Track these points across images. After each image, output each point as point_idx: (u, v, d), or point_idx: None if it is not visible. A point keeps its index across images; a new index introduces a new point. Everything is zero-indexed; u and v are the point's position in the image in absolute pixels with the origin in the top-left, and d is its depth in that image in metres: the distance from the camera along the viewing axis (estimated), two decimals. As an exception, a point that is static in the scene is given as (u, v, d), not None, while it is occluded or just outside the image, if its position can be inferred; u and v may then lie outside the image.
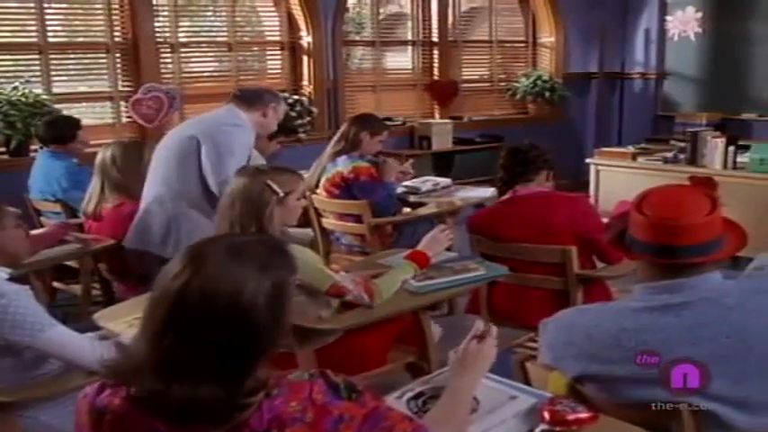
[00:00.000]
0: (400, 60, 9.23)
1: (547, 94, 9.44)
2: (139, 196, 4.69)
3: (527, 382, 2.47)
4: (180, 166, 4.52)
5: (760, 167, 6.26)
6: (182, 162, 4.52)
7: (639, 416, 2.13)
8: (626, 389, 2.14)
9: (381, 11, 9.15)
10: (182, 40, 7.56)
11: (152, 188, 4.58)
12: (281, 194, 3.39)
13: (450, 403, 2.13)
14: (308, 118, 7.71)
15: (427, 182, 6.26)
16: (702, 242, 2.10)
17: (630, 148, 7.42)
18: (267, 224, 3.37)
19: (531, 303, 4.17)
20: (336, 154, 5.57)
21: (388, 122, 8.39)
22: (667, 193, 2.25)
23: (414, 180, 6.15)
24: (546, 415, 2.09)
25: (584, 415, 2.09)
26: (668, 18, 9.51)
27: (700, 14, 9.22)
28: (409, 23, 9.09)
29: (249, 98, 4.68)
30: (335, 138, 5.68)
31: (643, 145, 7.78)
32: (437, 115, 9.07)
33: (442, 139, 8.52)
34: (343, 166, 5.51)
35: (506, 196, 4.36)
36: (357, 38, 9.17)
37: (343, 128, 5.71)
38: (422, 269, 3.65)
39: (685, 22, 9.35)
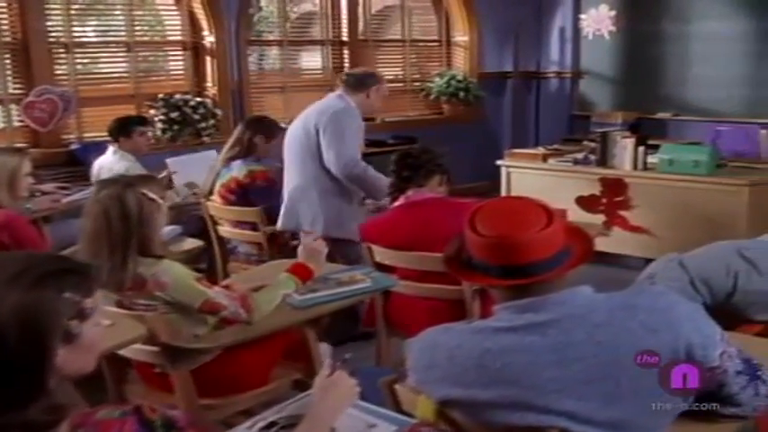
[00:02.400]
0: (310, 60, 8.98)
1: (461, 94, 9.26)
2: (9, 206, 4.46)
3: (397, 405, 2.30)
4: (312, 158, 5.14)
5: (669, 168, 6.17)
6: (312, 153, 5.14)
7: (508, 441, 1.99)
8: (491, 413, 1.99)
9: (296, 9, 8.93)
10: (77, 39, 7.21)
11: (290, 180, 5.27)
12: (160, 202, 3.20)
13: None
14: (213, 121, 7.44)
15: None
16: (547, 257, 1.96)
17: (541, 150, 7.30)
18: (152, 237, 3.17)
19: (427, 315, 3.98)
20: (230, 159, 5.36)
21: (298, 125, 8.18)
22: (499, 209, 2.08)
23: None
24: (404, 444, 1.92)
25: (446, 443, 1.93)
26: (582, 17, 9.43)
27: (613, 13, 9.16)
28: (318, 22, 8.82)
29: (353, 83, 5.26)
30: (229, 142, 5.48)
31: (555, 146, 7.67)
32: (349, 117, 8.82)
33: (353, 142, 8.29)
34: (238, 170, 5.31)
35: (398, 202, 4.19)
36: (271, 37, 8.87)
37: (236, 132, 5.50)
38: (305, 282, 3.47)
39: (599, 21, 9.28)
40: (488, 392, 1.97)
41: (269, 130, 5.48)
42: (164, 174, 5.93)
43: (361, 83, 5.25)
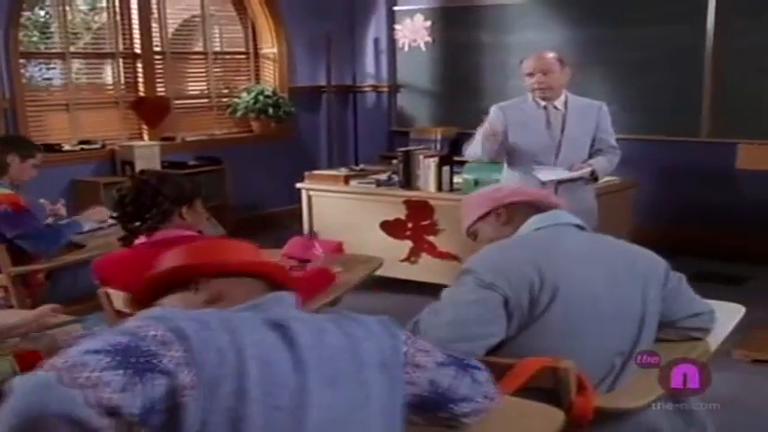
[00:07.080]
0: (100, 75, 8.16)
1: (271, 110, 8.59)
2: None
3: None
4: None
5: (474, 189, 5.67)
6: None
7: None
8: None
9: (96, 19, 8.14)
10: None
11: None
12: None
13: None
14: (-20, 143, 6.59)
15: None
16: None
17: (343, 171, 6.74)
18: None
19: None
20: None
21: (86, 146, 7.45)
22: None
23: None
24: None
25: None
26: (397, 27, 8.96)
27: (429, 23, 8.72)
28: (107, 33, 7.99)
29: None
30: None
31: (362, 166, 7.15)
32: (146, 137, 8.07)
33: (148, 164, 7.47)
34: None
35: (140, 240, 3.50)
36: (65, 49, 8.03)
37: None
38: (30, 369, 2.79)
39: (415, 32, 8.83)
40: None
41: (24, 148, 4.79)
42: None
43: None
